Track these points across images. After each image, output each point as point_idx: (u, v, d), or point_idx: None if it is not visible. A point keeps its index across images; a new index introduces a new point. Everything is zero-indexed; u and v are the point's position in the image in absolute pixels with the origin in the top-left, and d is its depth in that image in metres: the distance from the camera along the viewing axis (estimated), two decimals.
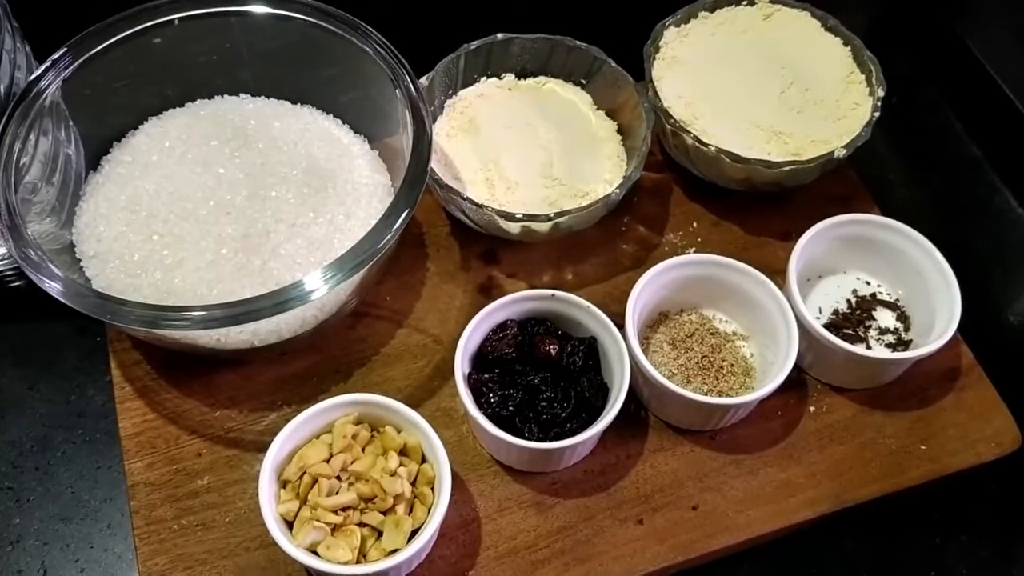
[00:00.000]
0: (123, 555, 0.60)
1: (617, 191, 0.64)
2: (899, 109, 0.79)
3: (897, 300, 0.66)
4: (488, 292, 0.68)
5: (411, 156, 0.59)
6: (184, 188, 0.63)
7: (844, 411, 0.63)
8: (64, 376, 0.67)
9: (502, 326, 0.61)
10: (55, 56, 0.62)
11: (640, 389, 0.61)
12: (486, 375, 0.59)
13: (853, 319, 0.65)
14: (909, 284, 0.65)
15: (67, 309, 0.68)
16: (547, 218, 0.62)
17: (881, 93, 0.68)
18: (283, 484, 0.54)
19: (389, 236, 0.56)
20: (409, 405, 0.56)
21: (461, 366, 0.58)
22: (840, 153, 0.65)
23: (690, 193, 0.73)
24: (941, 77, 0.85)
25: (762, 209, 0.72)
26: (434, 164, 0.66)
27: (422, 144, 0.60)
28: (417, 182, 0.58)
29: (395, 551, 0.52)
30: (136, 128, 0.67)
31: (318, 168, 0.65)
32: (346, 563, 0.51)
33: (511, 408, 0.57)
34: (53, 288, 0.53)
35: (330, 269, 0.54)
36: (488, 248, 0.70)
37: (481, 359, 0.60)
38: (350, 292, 0.62)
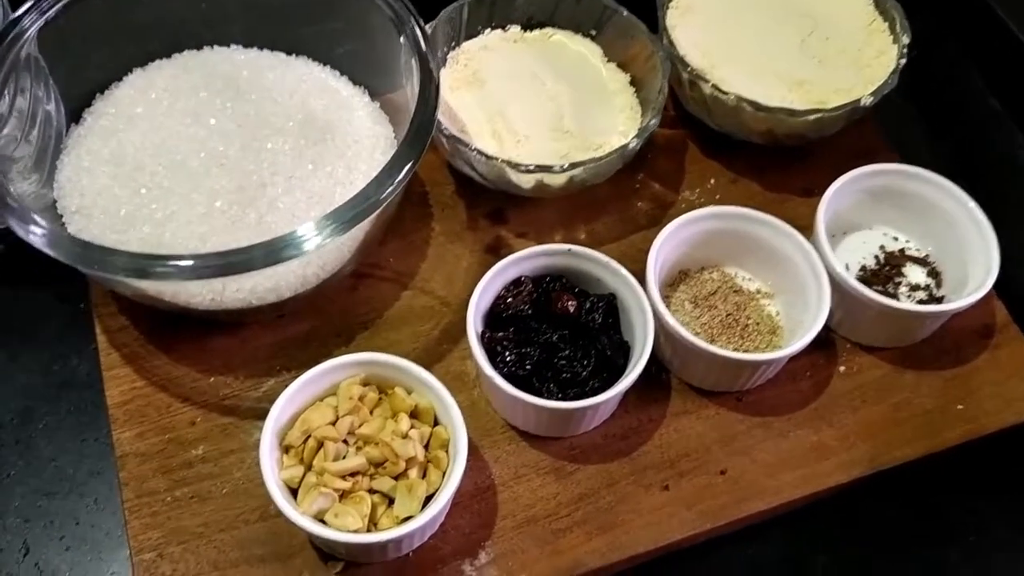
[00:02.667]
0: (111, 531, 0.56)
1: (635, 141, 0.60)
2: (918, 64, 0.76)
3: (927, 256, 0.63)
4: (496, 252, 0.64)
5: (417, 102, 0.55)
6: (172, 140, 0.59)
7: (875, 371, 0.60)
8: (45, 346, 0.63)
9: (516, 283, 0.57)
10: (31, 2, 0.58)
11: (662, 349, 0.58)
12: (500, 333, 0.55)
13: (881, 275, 0.62)
14: (940, 238, 0.62)
15: (47, 276, 0.64)
16: (561, 169, 0.59)
17: (906, 40, 0.65)
18: (285, 449, 0.51)
19: (392, 187, 0.52)
20: None
21: (474, 324, 0.54)
22: (867, 101, 0.62)
23: (706, 149, 0.70)
24: (960, 32, 0.82)
25: (782, 165, 0.69)
26: (438, 117, 0.63)
27: (429, 90, 0.56)
28: (423, 130, 0.54)
29: (408, 518, 0.48)
30: (120, 80, 0.63)
31: (316, 119, 0.61)
32: (356, 531, 0.47)
33: (528, 367, 0.54)
34: (35, 236, 0.48)
35: (328, 219, 0.50)
36: (496, 207, 0.66)
37: (494, 318, 0.57)
38: (352, 249, 0.58)
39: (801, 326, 0.57)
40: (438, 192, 0.67)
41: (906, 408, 0.59)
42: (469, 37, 0.69)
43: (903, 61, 0.64)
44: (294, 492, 0.50)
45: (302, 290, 0.57)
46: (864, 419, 0.58)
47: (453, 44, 0.68)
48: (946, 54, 0.81)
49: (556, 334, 0.55)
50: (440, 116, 0.62)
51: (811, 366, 0.60)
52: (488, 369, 0.52)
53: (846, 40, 0.66)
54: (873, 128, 0.71)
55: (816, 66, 0.65)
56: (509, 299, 0.56)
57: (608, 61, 0.69)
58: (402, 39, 0.59)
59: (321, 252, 0.56)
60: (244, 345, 0.59)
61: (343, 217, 0.50)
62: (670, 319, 0.55)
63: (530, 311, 0.56)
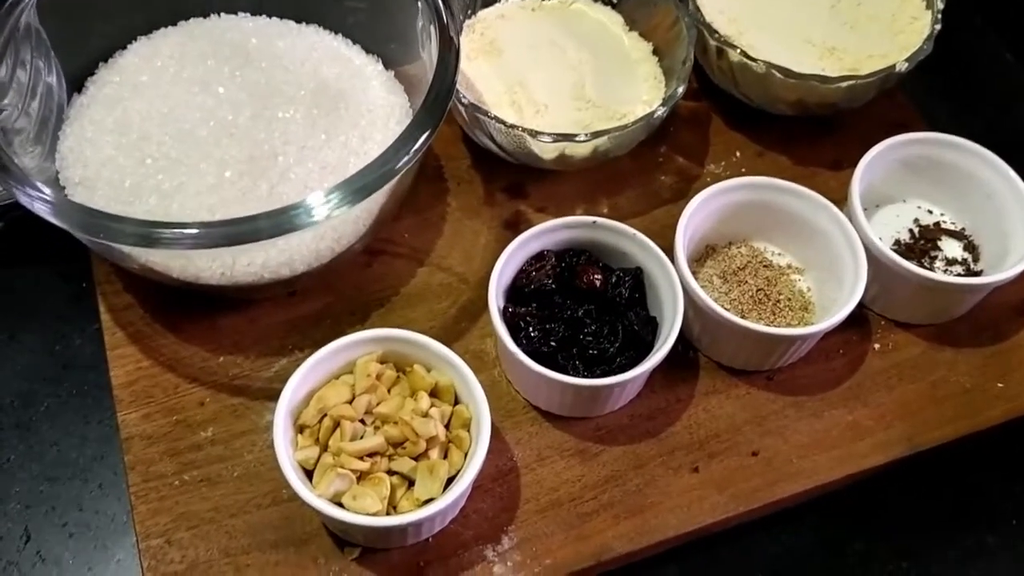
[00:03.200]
0: (116, 517, 0.54)
1: (662, 108, 0.58)
2: (944, 38, 0.73)
3: (963, 229, 0.61)
4: (515, 228, 0.62)
5: (436, 67, 0.53)
6: (179, 109, 0.56)
7: (912, 348, 0.58)
8: (47, 325, 0.61)
9: (538, 256, 0.55)
10: None
11: (690, 326, 0.55)
12: (523, 309, 0.53)
13: (916, 250, 0.60)
14: (977, 210, 0.60)
15: (49, 253, 0.62)
16: (585, 138, 0.56)
17: (941, 5, 0.62)
18: (300, 429, 0.48)
19: (408, 157, 0.49)
20: None
21: (495, 298, 0.52)
22: (902, 67, 0.59)
23: (731, 122, 0.67)
24: (985, 4, 0.79)
25: (810, 137, 0.66)
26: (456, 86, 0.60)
27: (448, 55, 0.53)
28: (442, 96, 0.52)
29: (429, 501, 0.46)
30: (124, 49, 0.60)
31: (328, 88, 0.59)
32: (375, 514, 0.45)
33: (553, 344, 0.51)
34: (40, 205, 0.46)
35: (340, 189, 0.47)
36: (514, 181, 0.64)
37: (516, 293, 0.54)
38: (368, 223, 0.55)
39: (834, 303, 0.55)
40: (454, 167, 0.64)
41: (944, 387, 0.56)
42: (485, 5, 0.67)
43: (938, 27, 0.61)
44: (309, 474, 0.47)
45: (316, 265, 0.55)
46: (901, 398, 0.56)
47: (469, 13, 0.66)
48: (971, 27, 0.78)
49: (581, 309, 0.52)
50: (458, 85, 0.60)
51: (844, 344, 0.57)
52: (511, 345, 0.50)
53: (878, 5, 0.64)
54: (903, 100, 0.68)
55: (848, 32, 0.63)
56: (532, 273, 0.54)
57: (630, 30, 0.66)
58: (419, 3, 0.56)
59: (335, 225, 0.54)
60: (254, 324, 0.57)
61: (356, 186, 0.48)
62: (701, 293, 0.52)
63: (554, 285, 0.53)
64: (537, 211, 0.63)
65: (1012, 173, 0.57)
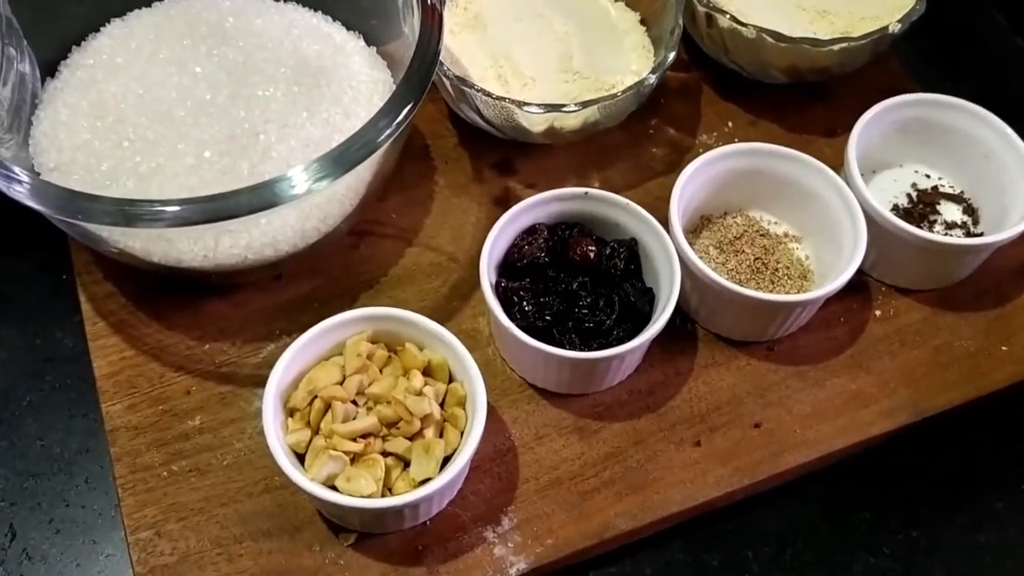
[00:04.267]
0: (104, 512, 0.52)
1: (652, 76, 0.56)
2: (934, 1, 0.72)
3: (962, 192, 0.60)
4: (505, 204, 0.60)
5: (418, 38, 0.51)
6: (156, 89, 0.54)
7: (913, 314, 0.57)
8: (26, 318, 0.59)
9: (530, 230, 0.53)
10: None
11: (688, 297, 0.54)
12: (516, 283, 0.51)
13: (915, 215, 0.59)
14: (975, 172, 0.58)
15: (27, 244, 0.60)
16: (575, 108, 0.55)
17: None
18: (290, 413, 0.47)
19: (390, 130, 0.48)
20: None
21: (487, 273, 0.50)
22: (895, 28, 0.58)
23: (722, 91, 0.66)
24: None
25: (803, 104, 0.65)
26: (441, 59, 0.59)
27: (430, 25, 0.52)
28: (425, 67, 0.50)
29: (426, 481, 0.44)
30: (97, 32, 0.59)
31: (309, 65, 0.57)
32: (370, 496, 0.43)
33: (548, 318, 0.50)
34: (16, 186, 0.44)
35: (321, 162, 0.46)
36: (503, 157, 0.62)
37: (508, 268, 0.53)
38: (354, 202, 0.54)
39: (833, 270, 0.54)
40: (440, 144, 0.63)
41: (948, 351, 0.55)
42: None
43: None
44: (301, 459, 0.46)
45: (301, 246, 0.53)
46: (904, 364, 0.55)
47: None
48: None
49: (576, 282, 0.51)
50: (442, 59, 0.59)
51: (845, 311, 0.56)
52: (504, 320, 0.49)
53: None
54: (896, 65, 0.67)
55: None
56: (524, 247, 0.52)
57: (616, 0, 0.65)
58: None
59: (320, 204, 0.52)
60: (240, 309, 0.55)
61: (337, 157, 0.46)
62: (698, 262, 0.51)
63: (547, 259, 0.52)
64: (527, 187, 0.61)
65: (1008, 130, 0.56)
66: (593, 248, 0.52)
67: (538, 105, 0.55)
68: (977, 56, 0.75)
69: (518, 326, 0.49)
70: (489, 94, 0.55)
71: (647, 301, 0.51)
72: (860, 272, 0.57)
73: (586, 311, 0.50)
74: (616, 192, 0.61)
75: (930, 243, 0.53)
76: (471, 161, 0.62)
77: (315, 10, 0.61)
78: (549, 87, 0.60)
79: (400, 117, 0.48)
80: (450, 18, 0.63)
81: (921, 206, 0.59)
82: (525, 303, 0.50)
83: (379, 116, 0.48)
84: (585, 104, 0.55)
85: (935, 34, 0.73)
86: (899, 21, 0.58)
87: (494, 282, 0.51)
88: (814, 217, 0.56)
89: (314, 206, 0.52)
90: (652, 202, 0.57)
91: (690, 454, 0.51)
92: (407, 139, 0.60)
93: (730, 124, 0.65)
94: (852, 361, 0.55)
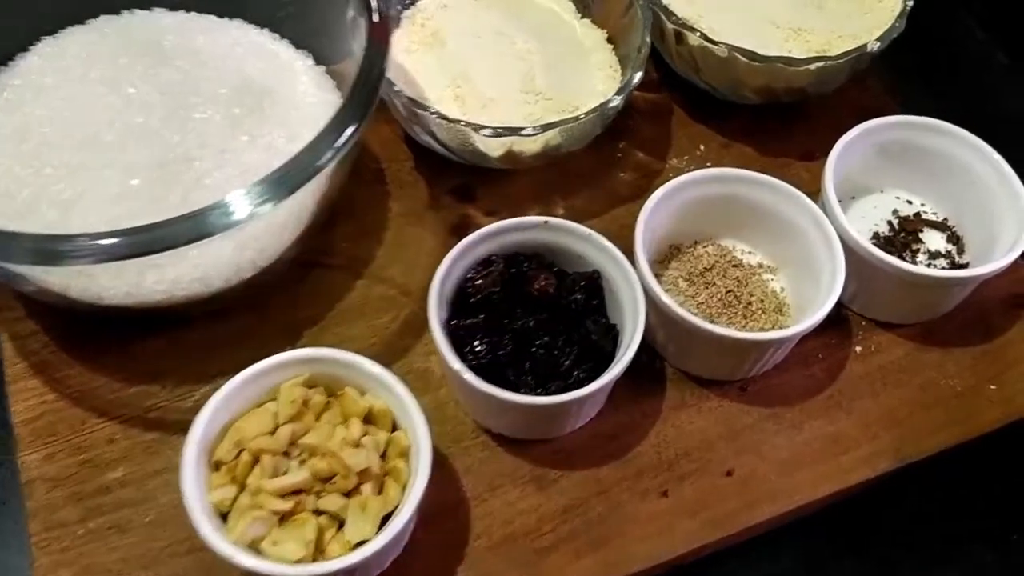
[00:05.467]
0: (21, 567, 0.48)
1: (617, 98, 0.53)
2: (913, 17, 0.69)
3: (946, 219, 0.56)
4: (463, 233, 0.55)
5: (364, 55, 0.48)
6: (85, 112, 0.51)
7: (896, 350, 0.53)
8: None
9: (485, 262, 0.49)
10: None
11: (654, 333, 0.50)
12: (469, 320, 0.47)
13: (897, 243, 0.55)
14: (960, 198, 0.55)
15: None
16: (534, 131, 0.51)
17: None
18: (215, 466, 0.43)
19: (331, 153, 0.44)
20: None
21: (437, 311, 0.46)
22: (873, 47, 0.55)
23: (694, 113, 0.63)
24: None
25: (778, 127, 0.62)
26: (392, 79, 0.56)
27: (378, 42, 0.48)
28: (370, 85, 0.47)
29: (363, 543, 0.40)
30: (26, 50, 0.55)
31: (252, 86, 0.54)
32: (298, 561, 0.39)
33: (502, 358, 0.46)
34: None
35: (258, 189, 0.42)
36: (461, 182, 0.59)
37: (461, 304, 0.49)
38: (295, 232, 0.50)
39: (811, 303, 0.50)
40: (395, 169, 0.59)
41: (933, 390, 0.52)
42: None
43: (910, 3, 0.57)
44: (227, 517, 0.42)
45: (236, 281, 0.49)
46: (886, 405, 0.51)
47: (408, 2, 0.61)
48: (941, 5, 0.74)
49: (533, 319, 0.47)
50: (394, 79, 0.56)
51: (823, 348, 0.53)
52: (454, 362, 0.45)
53: None
54: (875, 83, 0.64)
55: (815, 12, 0.58)
56: (478, 281, 0.49)
57: (582, 17, 0.62)
58: None
59: (257, 235, 0.48)
60: (172, 348, 0.51)
61: (277, 184, 0.43)
62: (664, 296, 0.47)
63: (502, 294, 0.48)
64: (487, 215, 0.58)
65: (996, 155, 0.53)
66: (552, 281, 0.48)
67: (494, 128, 0.51)
68: (959, 73, 0.72)
69: (470, 367, 0.45)
70: (444, 116, 0.52)
71: (610, 339, 0.48)
72: (840, 305, 0.53)
73: (542, 351, 0.46)
74: (582, 220, 0.57)
75: (913, 276, 0.49)
76: (428, 187, 0.59)
77: (262, 28, 0.58)
78: (510, 108, 0.56)
79: (342, 140, 0.45)
80: (407, 35, 0.60)
81: (903, 234, 0.56)
82: (477, 342, 0.46)
83: (319, 138, 0.45)
84: (545, 127, 0.52)
85: (916, 51, 0.70)
86: (878, 39, 0.55)
87: (444, 319, 0.47)
88: (790, 247, 0.53)
89: (250, 237, 0.48)
90: (619, 230, 0.54)
91: (656, 505, 0.47)
92: (357, 163, 0.56)
93: (702, 147, 0.61)
94: (831, 402, 0.51)
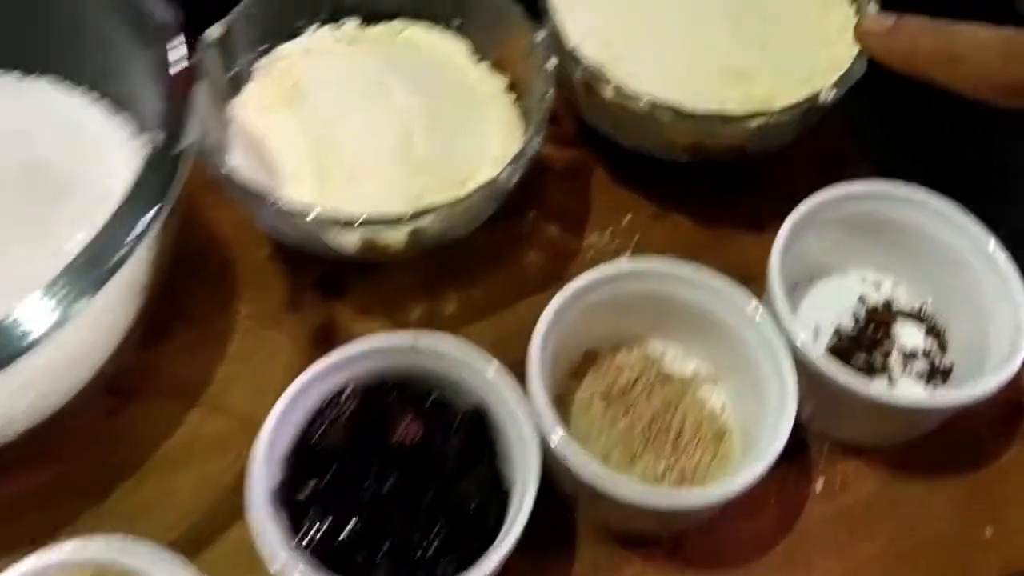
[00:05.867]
0: None
1: (509, 170, 0.42)
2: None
3: (923, 308, 0.46)
4: (329, 339, 0.46)
5: (162, 122, 0.37)
6: None
7: (867, 483, 0.43)
8: None
9: (335, 399, 0.38)
10: None
11: (560, 479, 0.40)
12: (311, 482, 0.36)
13: (865, 341, 0.44)
14: (940, 281, 0.45)
15: None
16: (400, 220, 0.40)
17: (874, 10, 0.48)
18: None
19: (121, 253, 0.34)
20: (193, 542, 0.35)
21: (263, 477, 0.35)
22: (827, 96, 0.44)
23: (618, 173, 0.52)
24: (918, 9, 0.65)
25: (720, 190, 0.51)
26: (239, 152, 0.45)
27: (177, 103, 0.37)
28: (169, 162, 0.36)
29: None
30: None
31: (49, 169, 0.42)
32: None
33: (345, 539, 0.35)
34: None
35: (23, 316, 0.31)
36: (328, 273, 0.47)
37: (304, 456, 0.38)
38: (95, 362, 0.39)
39: (758, 425, 0.40)
40: (248, 259, 0.48)
41: (912, 539, 0.41)
42: (288, 37, 0.50)
43: None
44: None
45: (11, 432, 0.38)
46: (855, 559, 0.41)
47: (263, 49, 0.50)
48: None
49: (389, 481, 0.36)
50: (240, 151, 0.45)
51: (777, 484, 0.42)
52: (281, 551, 0.34)
53: (797, 16, 0.49)
54: (838, 131, 0.53)
55: (759, 52, 0.47)
56: (324, 425, 0.37)
57: (479, 60, 0.51)
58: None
59: (32, 380, 0.37)
60: None
61: (45, 310, 0.32)
62: (565, 448, 0.36)
63: (354, 445, 0.37)
64: (359, 314, 0.46)
65: (985, 235, 0.42)
66: (419, 428, 0.37)
67: (350, 219, 0.40)
68: (929, 116, 0.61)
69: (307, 552, 0.34)
70: (282, 208, 0.40)
71: (494, 504, 0.36)
72: (795, 427, 0.42)
73: (402, 528, 0.35)
74: (482, 317, 0.47)
75: (881, 403, 0.39)
76: (286, 280, 0.47)
77: (76, 86, 0.46)
78: (382, 184, 0.45)
79: (130, 238, 0.34)
80: (259, 91, 0.49)
81: (872, 329, 0.45)
82: (317, 519, 0.35)
83: (98, 242, 0.34)
84: (416, 215, 0.41)
85: (881, 86, 0.60)
86: (833, 86, 0.44)
87: (276, 485, 0.36)
88: (730, 353, 0.42)
89: (21, 384, 0.36)
90: (527, 331, 0.42)
91: None
92: (195, 254, 0.45)
93: (628, 217, 0.50)
94: (785, 559, 0.40)
